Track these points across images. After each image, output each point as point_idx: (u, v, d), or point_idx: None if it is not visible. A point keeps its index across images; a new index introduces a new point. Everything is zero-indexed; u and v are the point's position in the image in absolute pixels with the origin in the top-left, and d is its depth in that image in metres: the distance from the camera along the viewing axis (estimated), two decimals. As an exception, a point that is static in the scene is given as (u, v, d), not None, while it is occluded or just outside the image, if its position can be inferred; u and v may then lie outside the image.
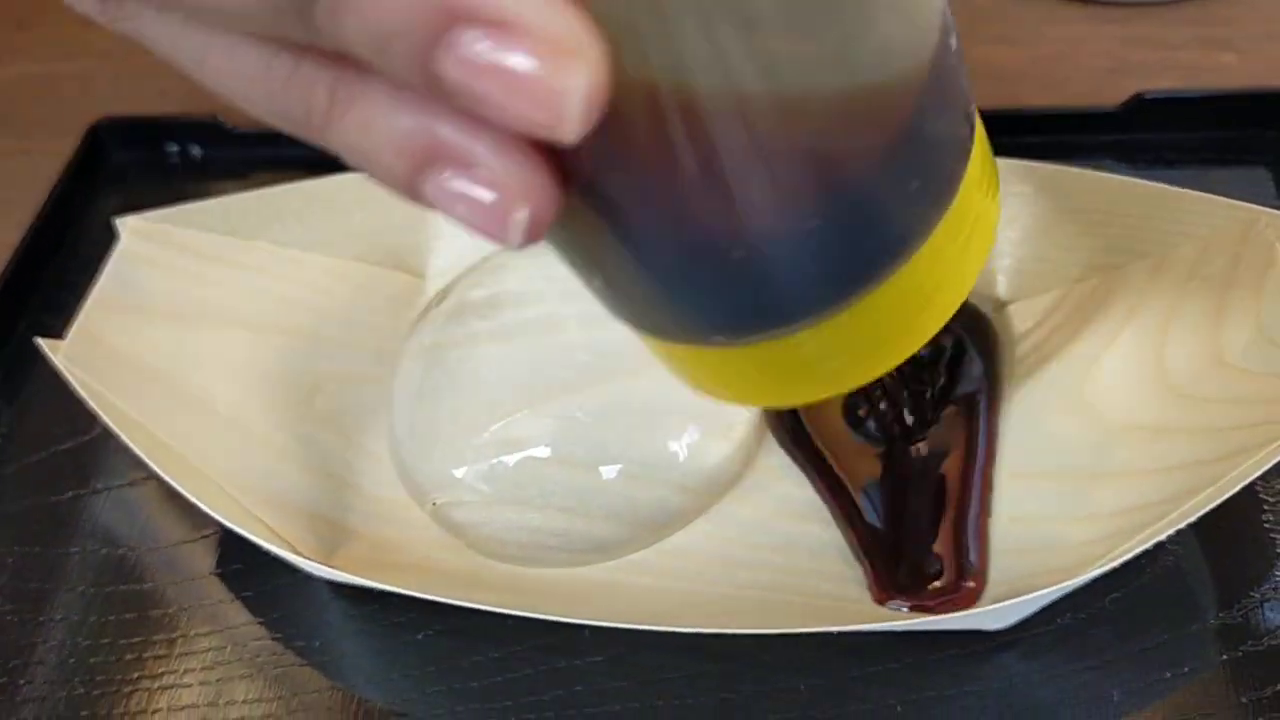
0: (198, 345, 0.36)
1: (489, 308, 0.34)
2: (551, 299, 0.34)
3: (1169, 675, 0.30)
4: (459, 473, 0.33)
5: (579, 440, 0.32)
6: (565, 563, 0.33)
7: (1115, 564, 0.27)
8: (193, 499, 0.31)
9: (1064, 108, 0.43)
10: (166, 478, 0.32)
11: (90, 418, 0.39)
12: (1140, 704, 0.30)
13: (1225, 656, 0.30)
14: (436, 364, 0.34)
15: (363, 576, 0.31)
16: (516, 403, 0.33)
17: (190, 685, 0.33)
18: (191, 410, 0.35)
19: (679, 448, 0.33)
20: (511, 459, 0.32)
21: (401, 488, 0.35)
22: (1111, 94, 0.42)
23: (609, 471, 0.32)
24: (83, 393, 0.33)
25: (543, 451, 0.32)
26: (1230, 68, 0.45)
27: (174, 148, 0.48)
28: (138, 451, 0.32)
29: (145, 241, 0.36)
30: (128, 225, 0.36)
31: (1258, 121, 0.41)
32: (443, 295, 0.36)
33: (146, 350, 0.35)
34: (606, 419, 0.32)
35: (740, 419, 0.34)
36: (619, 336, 0.32)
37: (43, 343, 0.33)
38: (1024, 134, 0.42)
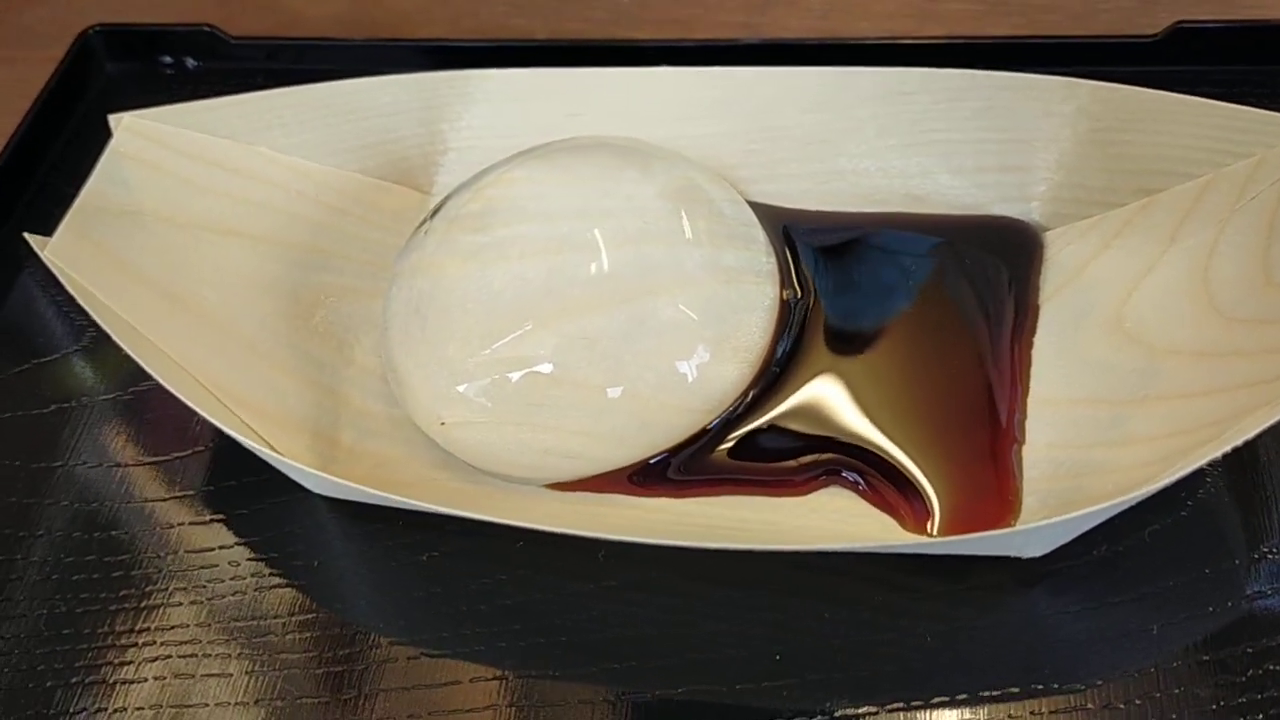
0: (193, 251, 0.34)
1: (485, 223, 0.32)
2: (553, 216, 0.32)
3: (1211, 610, 0.29)
4: (461, 388, 0.31)
5: (583, 359, 0.31)
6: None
7: (1169, 482, 0.25)
8: (193, 406, 0.30)
9: (1100, 36, 0.41)
10: (164, 382, 0.30)
11: (73, 331, 0.38)
12: (1181, 638, 0.28)
13: (1270, 590, 0.29)
14: (432, 279, 0.32)
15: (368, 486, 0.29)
16: (519, 319, 0.31)
17: (180, 604, 0.32)
18: (184, 317, 0.33)
19: (687, 369, 0.31)
20: (515, 375, 0.31)
21: (399, 406, 0.33)
22: (1144, 26, 0.41)
23: (615, 392, 0.31)
24: (71, 290, 0.31)
25: (546, 368, 0.31)
26: (1268, 2, 0.43)
27: (168, 59, 0.46)
28: (131, 353, 0.30)
29: (140, 140, 0.34)
30: (122, 123, 0.34)
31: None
32: (436, 209, 0.34)
33: (138, 253, 0.33)
34: (613, 339, 0.31)
35: (754, 342, 0.32)
36: (625, 256, 0.31)
37: (30, 238, 0.32)
38: (1056, 64, 0.40)
